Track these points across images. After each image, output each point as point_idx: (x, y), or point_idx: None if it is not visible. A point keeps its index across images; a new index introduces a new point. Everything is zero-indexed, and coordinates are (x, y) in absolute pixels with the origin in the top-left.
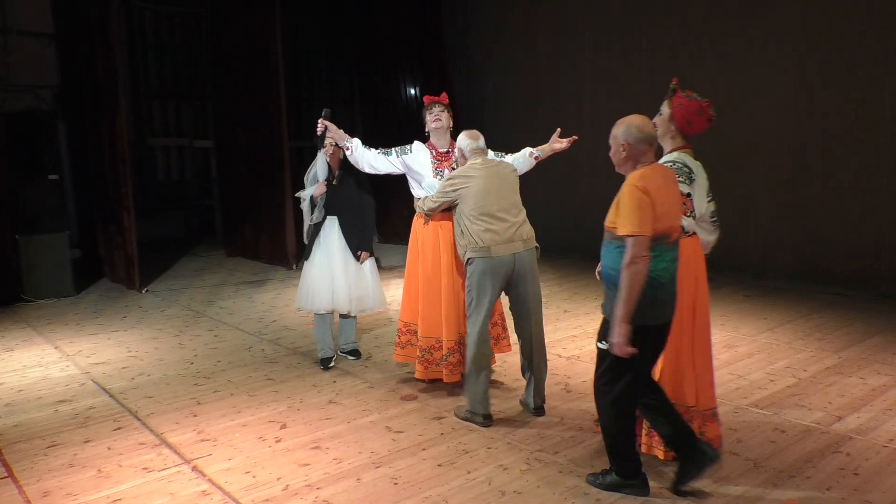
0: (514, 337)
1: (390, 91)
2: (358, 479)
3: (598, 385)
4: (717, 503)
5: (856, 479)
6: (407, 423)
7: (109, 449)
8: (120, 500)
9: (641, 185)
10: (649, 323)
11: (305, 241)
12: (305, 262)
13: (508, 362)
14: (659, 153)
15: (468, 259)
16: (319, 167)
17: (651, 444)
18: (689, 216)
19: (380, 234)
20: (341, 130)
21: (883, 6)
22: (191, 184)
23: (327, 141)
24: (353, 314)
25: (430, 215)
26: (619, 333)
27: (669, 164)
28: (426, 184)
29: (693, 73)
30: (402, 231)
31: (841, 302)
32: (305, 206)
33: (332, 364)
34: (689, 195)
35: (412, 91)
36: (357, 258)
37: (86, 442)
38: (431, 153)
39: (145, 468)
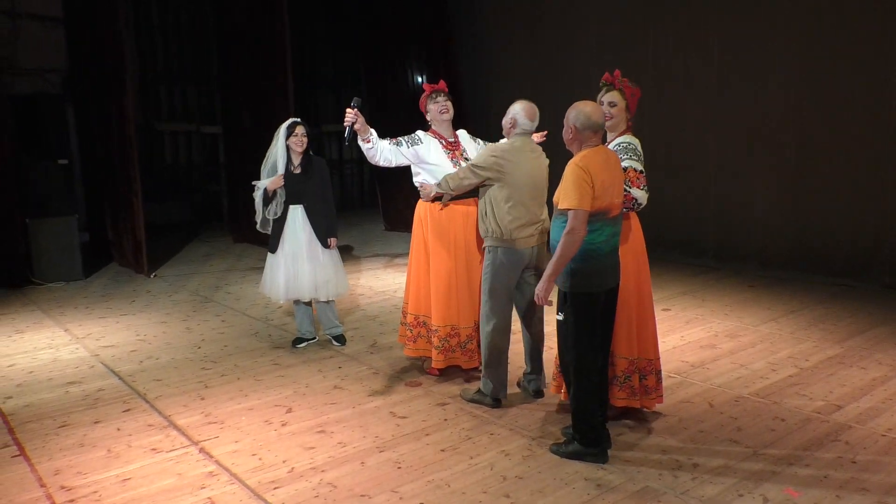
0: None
1: (397, 76)
2: (362, 462)
3: (562, 355)
4: (716, 490)
5: (853, 467)
6: (411, 408)
7: (119, 430)
8: (129, 479)
9: (583, 165)
10: (595, 290)
11: (259, 228)
12: (270, 254)
13: (511, 350)
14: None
15: (491, 247)
16: (279, 157)
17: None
18: (642, 189)
19: (386, 221)
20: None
21: None
22: (198, 169)
23: (297, 137)
24: (321, 300)
25: (451, 196)
26: (543, 287)
27: (626, 145)
28: (440, 173)
29: (697, 62)
30: (409, 218)
31: (845, 293)
32: (259, 196)
33: (302, 345)
34: (642, 171)
35: (419, 78)
36: (326, 245)
37: (95, 423)
38: (441, 143)
39: (154, 449)
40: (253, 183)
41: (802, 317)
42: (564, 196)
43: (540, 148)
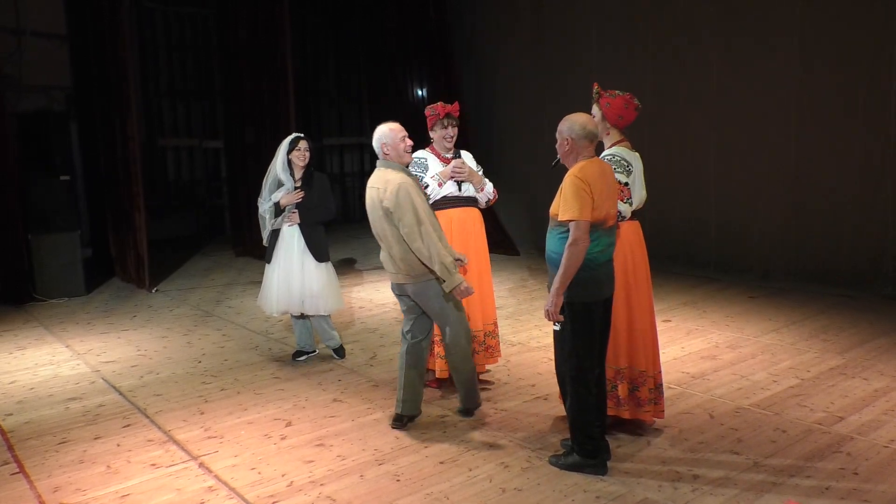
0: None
1: (398, 89)
2: (361, 475)
3: (559, 365)
4: (716, 501)
5: (855, 478)
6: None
7: (118, 445)
8: (128, 495)
9: (581, 176)
10: (591, 300)
11: (266, 244)
12: (267, 266)
13: (512, 361)
14: (600, 149)
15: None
16: (280, 172)
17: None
18: (626, 203)
19: None
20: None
21: (888, 7)
22: (201, 183)
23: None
24: (312, 314)
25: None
26: (553, 303)
27: (609, 157)
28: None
29: (698, 74)
30: None
31: (847, 303)
32: (267, 209)
33: (302, 358)
34: (626, 184)
35: (419, 92)
36: (320, 260)
37: (95, 439)
38: (437, 158)
39: (153, 464)
40: (259, 202)
41: (804, 327)
42: (565, 208)
43: (382, 177)
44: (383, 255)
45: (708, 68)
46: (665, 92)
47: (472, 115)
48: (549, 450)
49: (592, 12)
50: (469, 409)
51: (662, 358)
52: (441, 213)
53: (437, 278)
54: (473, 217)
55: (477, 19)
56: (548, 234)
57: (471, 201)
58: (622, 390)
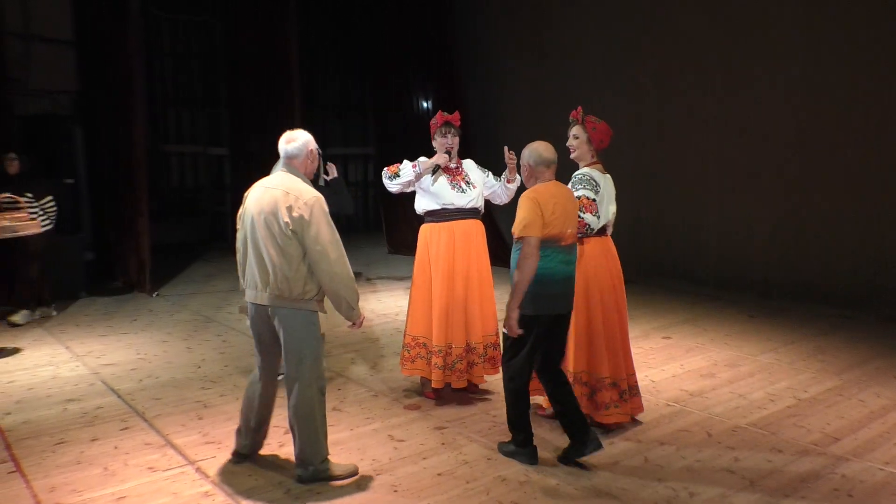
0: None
1: (402, 100)
2: (358, 485)
3: (502, 364)
4: None
5: (850, 500)
6: (409, 432)
7: (116, 448)
8: (125, 497)
9: (532, 196)
10: (537, 313)
11: None
12: None
13: None
14: (574, 167)
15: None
16: None
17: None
18: (594, 215)
19: (389, 245)
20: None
21: (888, 23)
22: (204, 190)
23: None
24: None
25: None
26: (510, 318)
27: (580, 176)
28: (438, 198)
29: (697, 91)
30: (412, 241)
31: (845, 324)
32: None
33: None
34: (594, 200)
35: (424, 104)
36: None
37: (93, 440)
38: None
39: (150, 468)
40: None
41: (802, 347)
42: (516, 225)
43: (291, 184)
44: (251, 270)
45: (709, 89)
46: (666, 111)
47: (475, 126)
48: (546, 464)
49: (596, 28)
50: (310, 469)
51: (662, 375)
52: (443, 226)
53: (318, 308)
54: (477, 229)
55: (481, 33)
56: (512, 251)
57: (474, 213)
58: (576, 391)
